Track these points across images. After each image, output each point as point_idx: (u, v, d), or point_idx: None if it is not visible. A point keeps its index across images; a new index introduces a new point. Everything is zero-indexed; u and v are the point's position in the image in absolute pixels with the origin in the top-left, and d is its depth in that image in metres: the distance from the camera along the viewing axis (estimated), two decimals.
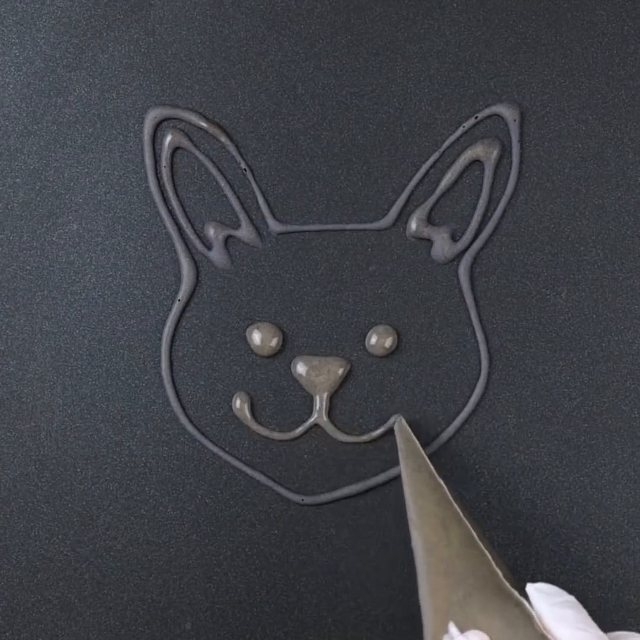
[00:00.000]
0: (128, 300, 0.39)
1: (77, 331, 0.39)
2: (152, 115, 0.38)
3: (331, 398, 0.38)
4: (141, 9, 0.38)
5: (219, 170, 0.38)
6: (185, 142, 0.38)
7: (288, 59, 0.38)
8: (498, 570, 0.28)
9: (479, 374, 0.38)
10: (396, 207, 0.38)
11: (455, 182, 0.38)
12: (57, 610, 0.39)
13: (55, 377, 0.39)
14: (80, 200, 0.38)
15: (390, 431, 0.38)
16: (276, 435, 0.38)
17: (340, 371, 0.38)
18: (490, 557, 0.28)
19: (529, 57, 0.38)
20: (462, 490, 0.38)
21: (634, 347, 0.38)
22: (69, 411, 0.39)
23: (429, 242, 0.38)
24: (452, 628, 0.27)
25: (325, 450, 0.39)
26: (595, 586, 0.38)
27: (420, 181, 0.38)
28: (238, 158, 0.38)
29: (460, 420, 0.38)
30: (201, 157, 0.38)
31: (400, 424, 0.37)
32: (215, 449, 0.39)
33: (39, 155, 0.38)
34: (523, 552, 0.38)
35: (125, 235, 0.38)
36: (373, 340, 0.38)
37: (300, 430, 0.38)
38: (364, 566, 0.39)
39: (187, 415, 0.39)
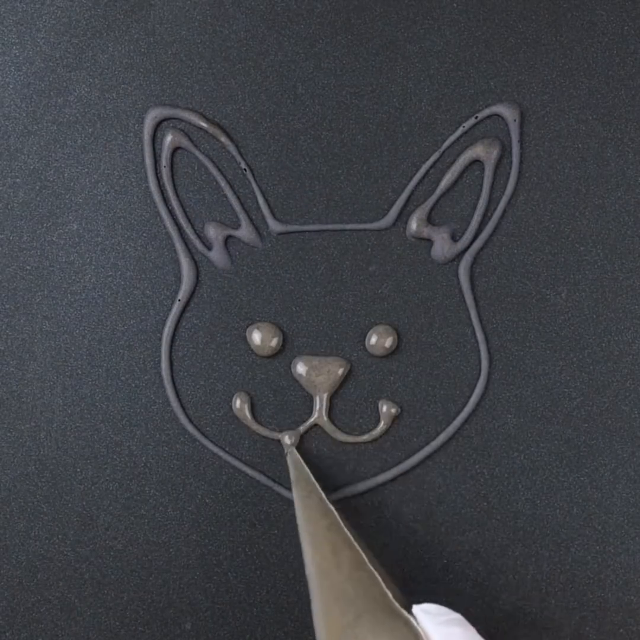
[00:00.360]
0: (128, 300, 0.39)
1: (77, 331, 0.39)
2: (152, 115, 0.38)
3: (331, 398, 0.38)
4: (141, 9, 0.38)
5: (219, 170, 0.38)
6: (185, 142, 0.38)
7: (288, 59, 0.38)
8: (387, 591, 0.28)
9: (479, 374, 0.38)
10: (396, 207, 0.38)
11: (455, 182, 0.38)
12: (57, 610, 0.39)
13: (55, 377, 0.39)
14: (80, 200, 0.38)
15: (391, 430, 0.38)
16: (276, 435, 0.38)
17: (340, 371, 0.38)
18: (380, 579, 0.29)
19: (529, 57, 0.38)
20: (462, 491, 0.38)
21: (634, 347, 0.38)
22: (69, 411, 0.39)
23: (429, 242, 0.38)
24: None
25: (325, 450, 0.39)
26: (595, 586, 0.38)
27: (420, 181, 0.38)
28: (238, 158, 0.38)
29: (460, 420, 0.38)
30: (201, 157, 0.38)
31: (291, 452, 0.38)
32: (215, 449, 0.39)
33: (39, 155, 0.38)
34: (523, 552, 0.38)
35: (125, 235, 0.38)
36: (373, 340, 0.38)
37: (300, 430, 0.38)
38: None
39: (187, 415, 0.39)
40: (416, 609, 0.27)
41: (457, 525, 0.38)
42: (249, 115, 0.38)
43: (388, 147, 0.38)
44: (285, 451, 0.38)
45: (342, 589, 0.29)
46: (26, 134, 0.38)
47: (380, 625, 0.27)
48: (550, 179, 0.38)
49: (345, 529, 0.31)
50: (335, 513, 0.32)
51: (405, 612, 0.27)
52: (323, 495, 0.34)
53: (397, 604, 0.27)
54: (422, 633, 0.26)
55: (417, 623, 0.27)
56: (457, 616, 0.28)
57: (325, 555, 0.30)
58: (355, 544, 0.30)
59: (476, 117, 0.38)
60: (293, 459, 0.37)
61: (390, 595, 0.28)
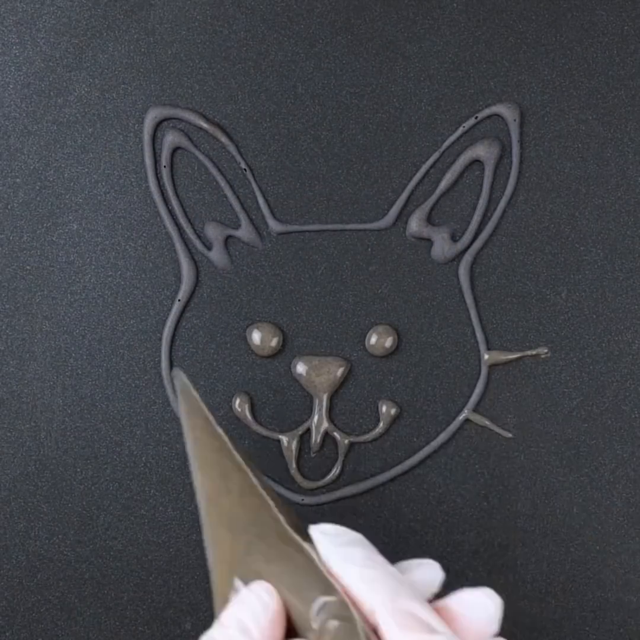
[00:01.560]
0: (128, 300, 0.39)
1: (77, 331, 0.39)
2: (152, 115, 0.38)
3: (331, 398, 0.38)
4: (141, 9, 0.38)
5: (219, 170, 0.38)
6: (185, 142, 0.38)
7: (288, 59, 0.38)
8: (280, 516, 0.26)
9: (479, 374, 0.38)
10: (396, 207, 0.38)
11: (455, 182, 0.38)
12: (57, 610, 0.39)
13: (55, 377, 0.39)
14: (80, 200, 0.38)
15: (391, 430, 0.38)
16: (276, 435, 0.38)
17: (340, 371, 0.38)
18: (271, 504, 0.27)
19: (529, 57, 0.38)
20: (462, 491, 0.38)
21: (634, 347, 0.38)
22: (69, 411, 0.39)
23: (429, 242, 0.38)
24: (238, 583, 0.25)
25: (325, 450, 0.39)
26: (595, 586, 0.38)
27: (420, 181, 0.38)
28: (238, 158, 0.38)
29: (460, 420, 0.38)
30: (201, 157, 0.38)
31: (176, 372, 0.34)
32: None
33: (39, 155, 0.38)
34: (523, 552, 0.38)
35: (125, 235, 0.38)
36: (373, 340, 0.38)
37: (300, 430, 0.38)
38: None
39: None
40: (313, 529, 0.26)
41: (457, 525, 0.38)
42: (249, 115, 0.38)
43: (388, 147, 0.38)
44: (171, 374, 0.36)
45: (233, 516, 0.27)
46: (26, 134, 0.38)
47: (273, 552, 0.25)
48: (550, 179, 0.38)
49: (236, 452, 0.28)
50: (225, 436, 0.29)
51: (297, 537, 0.25)
52: (211, 416, 0.30)
53: (289, 529, 0.25)
54: (316, 557, 0.24)
55: (314, 545, 0.25)
56: (357, 536, 0.26)
57: (215, 480, 0.28)
58: (246, 468, 0.28)
59: (476, 117, 0.38)
60: (179, 378, 0.33)
61: (282, 519, 0.26)
